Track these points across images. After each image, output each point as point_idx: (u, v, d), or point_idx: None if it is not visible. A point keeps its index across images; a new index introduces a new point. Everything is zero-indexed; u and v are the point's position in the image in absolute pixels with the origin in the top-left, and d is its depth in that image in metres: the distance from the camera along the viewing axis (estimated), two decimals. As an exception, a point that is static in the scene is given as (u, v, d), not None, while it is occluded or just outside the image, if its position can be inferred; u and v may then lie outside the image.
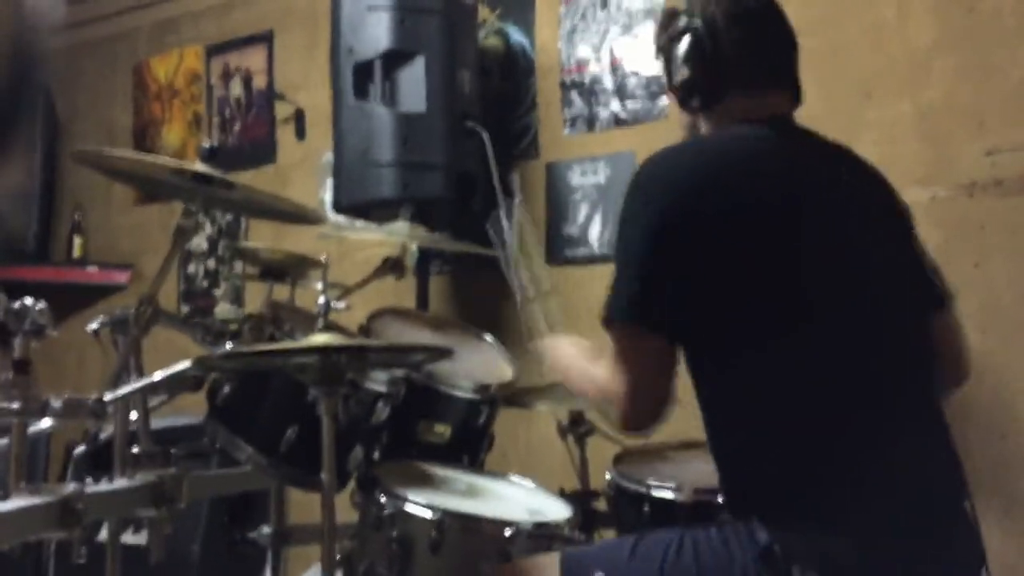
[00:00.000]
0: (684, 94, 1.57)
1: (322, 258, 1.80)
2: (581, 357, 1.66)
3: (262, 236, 3.72)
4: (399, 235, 2.48)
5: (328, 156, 3.21)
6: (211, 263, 3.99)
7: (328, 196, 3.21)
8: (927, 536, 1.33)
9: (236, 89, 3.99)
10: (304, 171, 3.73)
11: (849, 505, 1.31)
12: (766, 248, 1.40)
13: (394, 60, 2.84)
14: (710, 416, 1.46)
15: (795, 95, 1.59)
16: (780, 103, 1.56)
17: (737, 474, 1.44)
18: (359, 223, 3.05)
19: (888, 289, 1.47)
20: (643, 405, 1.44)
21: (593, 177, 3.10)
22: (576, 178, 3.13)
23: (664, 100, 2.98)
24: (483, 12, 3.33)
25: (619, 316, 1.43)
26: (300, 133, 3.75)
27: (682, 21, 1.55)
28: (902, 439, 1.38)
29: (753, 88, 1.54)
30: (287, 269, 2.57)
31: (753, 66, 1.54)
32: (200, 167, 1.87)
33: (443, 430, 2.07)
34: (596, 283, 2.98)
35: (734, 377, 1.41)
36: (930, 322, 1.54)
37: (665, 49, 1.58)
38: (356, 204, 2.91)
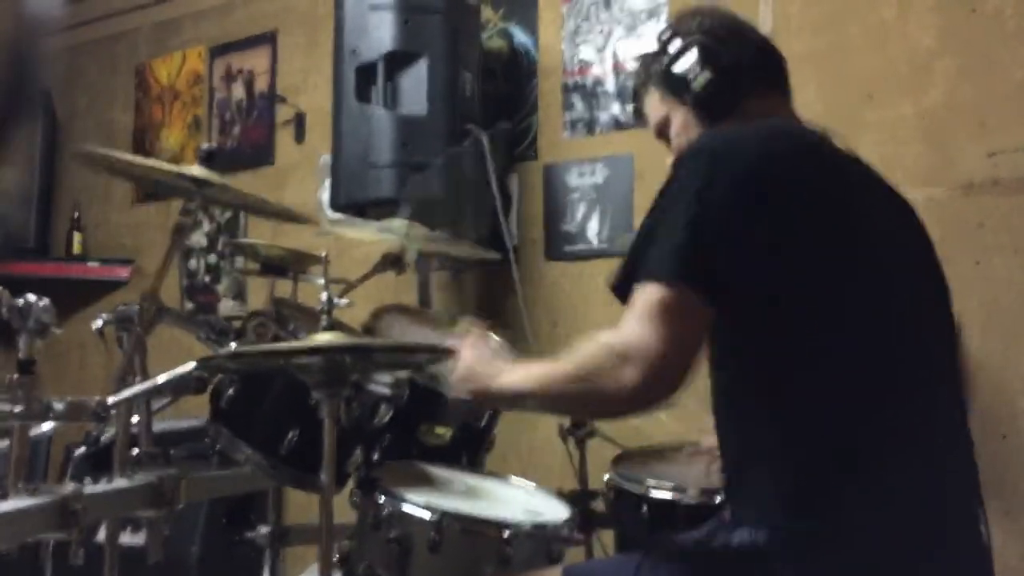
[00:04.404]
0: (703, 102, 1.52)
1: (322, 254, 1.78)
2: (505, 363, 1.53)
3: (261, 232, 3.72)
4: (396, 233, 2.47)
5: (326, 158, 3.21)
6: (211, 258, 3.99)
7: (326, 196, 3.21)
8: (936, 553, 1.29)
9: (238, 92, 3.99)
10: (302, 172, 3.73)
11: (869, 515, 1.25)
12: (834, 224, 1.35)
13: (397, 62, 2.84)
14: (733, 404, 1.38)
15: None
16: (788, 108, 1.57)
17: (756, 467, 1.35)
18: (357, 221, 3.05)
19: (925, 290, 1.45)
20: (671, 373, 1.29)
21: (591, 178, 3.10)
22: (574, 179, 3.13)
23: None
24: (486, 12, 3.33)
25: (665, 272, 1.28)
26: (299, 136, 3.75)
27: (679, 42, 1.53)
28: (930, 450, 1.33)
29: (764, 92, 1.53)
30: (287, 265, 2.57)
31: (763, 70, 1.54)
32: (197, 170, 1.87)
33: (444, 432, 2.07)
34: (595, 277, 3.01)
35: (782, 359, 1.31)
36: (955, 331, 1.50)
37: (665, 72, 1.55)
38: (354, 202, 2.90)
